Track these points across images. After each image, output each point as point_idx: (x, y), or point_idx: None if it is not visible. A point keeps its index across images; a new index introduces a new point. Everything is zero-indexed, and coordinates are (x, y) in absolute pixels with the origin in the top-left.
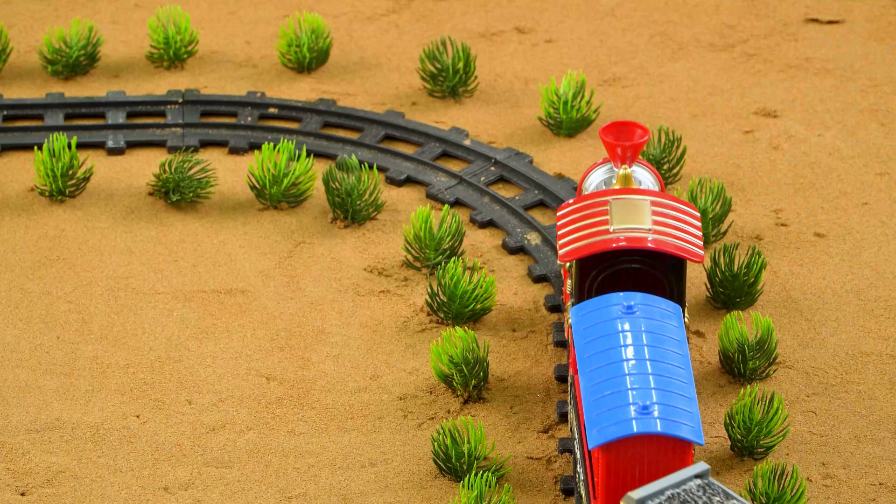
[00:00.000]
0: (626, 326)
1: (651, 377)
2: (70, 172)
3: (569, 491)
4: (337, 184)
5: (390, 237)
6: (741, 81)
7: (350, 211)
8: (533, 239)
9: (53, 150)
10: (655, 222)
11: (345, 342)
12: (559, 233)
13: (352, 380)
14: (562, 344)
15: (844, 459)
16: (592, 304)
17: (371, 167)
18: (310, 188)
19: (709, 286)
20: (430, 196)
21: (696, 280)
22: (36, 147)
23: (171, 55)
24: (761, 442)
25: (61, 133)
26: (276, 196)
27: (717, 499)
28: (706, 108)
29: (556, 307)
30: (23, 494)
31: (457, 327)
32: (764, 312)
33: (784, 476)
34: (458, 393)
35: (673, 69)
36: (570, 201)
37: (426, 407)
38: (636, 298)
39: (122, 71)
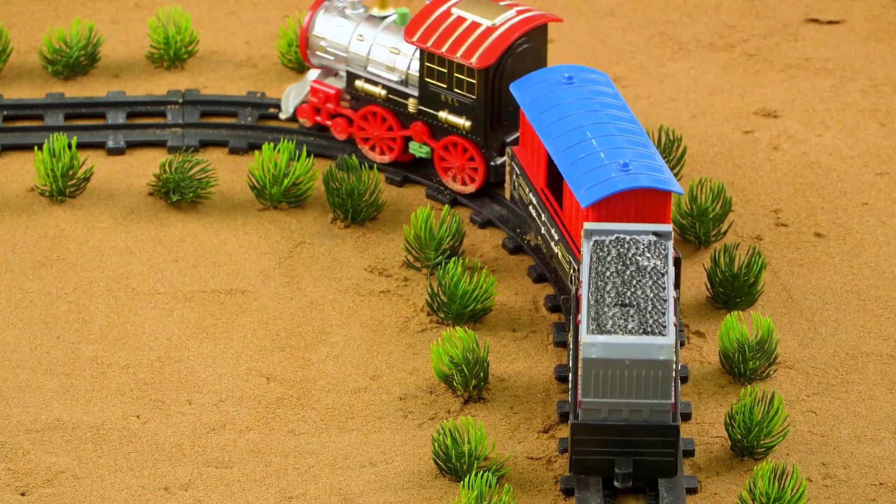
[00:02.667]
0: (574, 95)
1: (615, 138)
2: (70, 172)
3: (569, 491)
4: (337, 184)
5: (390, 237)
6: (741, 81)
7: (350, 211)
8: (533, 239)
9: (53, 150)
10: (507, 7)
11: (345, 342)
12: (442, 50)
13: (352, 380)
14: (562, 344)
15: (844, 459)
16: (532, 78)
17: (371, 167)
18: (310, 188)
19: (709, 286)
20: (429, 196)
21: (697, 280)
22: (36, 147)
23: (171, 55)
24: (761, 442)
25: (61, 133)
26: (277, 196)
27: (649, 255)
28: (706, 108)
29: (556, 307)
30: (23, 494)
31: (457, 327)
32: (764, 312)
33: (784, 476)
34: (459, 393)
35: (673, 69)
36: (410, 26)
37: (426, 407)
38: (571, 70)
39: (122, 71)
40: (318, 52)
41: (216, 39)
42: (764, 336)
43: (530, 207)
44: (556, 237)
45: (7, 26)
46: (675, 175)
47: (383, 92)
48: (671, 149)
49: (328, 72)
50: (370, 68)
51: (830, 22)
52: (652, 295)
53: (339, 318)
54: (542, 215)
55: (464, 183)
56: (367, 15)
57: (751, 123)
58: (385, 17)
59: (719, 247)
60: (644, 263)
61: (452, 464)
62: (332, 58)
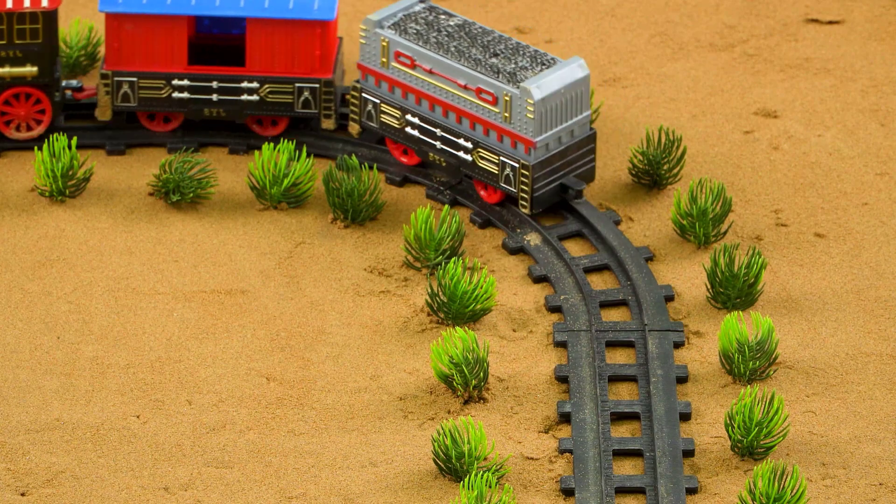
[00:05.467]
0: None
1: None
2: (70, 172)
3: (569, 491)
4: (337, 184)
5: (390, 237)
6: (741, 81)
7: (350, 211)
8: (533, 239)
9: (53, 150)
10: None
11: (345, 342)
12: (7, 6)
13: (352, 380)
14: (562, 344)
15: (844, 459)
16: None
17: (371, 167)
18: (310, 188)
19: (709, 286)
20: (429, 196)
21: (697, 280)
22: (36, 147)
23: None
24: (761, 442)
25: (61, 133)
26: (276, 196)
27: (443, 16)
28: (706, 108)
29: (556, 307)
30: (23, 494)
31: (457, 327)
32: (764, 312)
33: (784, 476)
34: (459, 393)
35: (673, 69)
36: None
37: (426, 407)
38: None
39: None
40: None
41: None
42: (764, 336)
43: (186, 94)
44: (258, 84)
45: None
46: (675, 175)
47: None
48: (671, 149)
49: None
50: None
51: (830, 22)
52: (497, 38)
53: (338, 318)
54: (214, 84)
55: (29, 129)
56: None
57: (751, 123)
58: None
59: (719, 247)
60: (452, 22)
61: (452, 464)
62: None
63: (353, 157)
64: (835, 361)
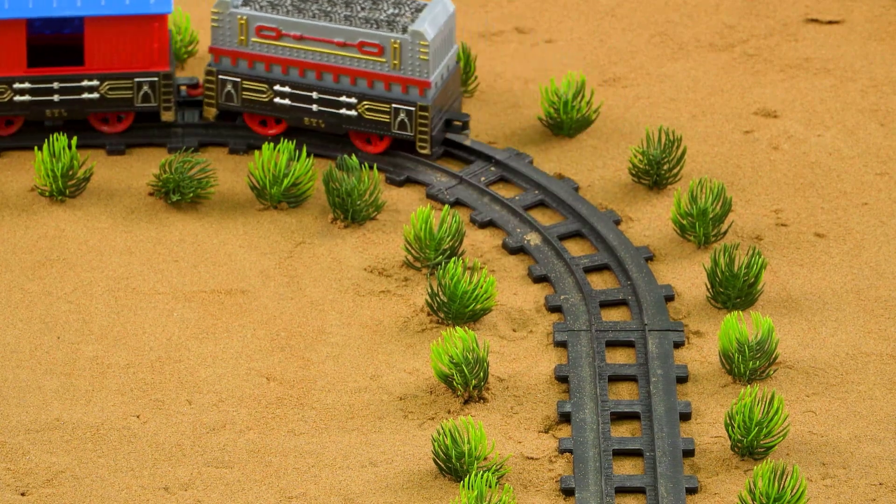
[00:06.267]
0: None
1: None
2: (70, 172)
3: (569, 491)
4: (337, 184)
5: (390, 237)
6: (741, 81)
7: (350, 211)
8: (533, 239)
9: (53, 150)
10: None
11: (345, 342)
12: None
13: (352, 380)
14: (562, 344)
15: (844, 459)
16: None
17: (371, 167)
18: (310, 188)
19: (709, 286)
20: (430, 196)
21: (697, 280)
22: (36, 147)
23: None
24: (761, 442)
25: (61, 133)
26: (276, 196)
27: None
28: (706, 108)
29: (556, 307)
30: (23, 494)
31: (457, 327)
32: (764, 312)
33: (784, 476)
34: (459, 393)
35: (673, 69)
36: None
37: (426, 407)
38: None
39: None
40: None
41: None
42: (764, 336)
43: (27, 97)
44: (98, 81)
45: None
46: (675, 175)
47: None
48: (671, 149)
49: None
50: None
51: (830, 22)
52: None
53: (339, 318)
54: (55, 84)
55: None
56: None
57: (751, 123)
58: None
59: (719, 247)
60: None
61: (452, 464)
62: None
63: (353, 157)
64: (835, 361)
